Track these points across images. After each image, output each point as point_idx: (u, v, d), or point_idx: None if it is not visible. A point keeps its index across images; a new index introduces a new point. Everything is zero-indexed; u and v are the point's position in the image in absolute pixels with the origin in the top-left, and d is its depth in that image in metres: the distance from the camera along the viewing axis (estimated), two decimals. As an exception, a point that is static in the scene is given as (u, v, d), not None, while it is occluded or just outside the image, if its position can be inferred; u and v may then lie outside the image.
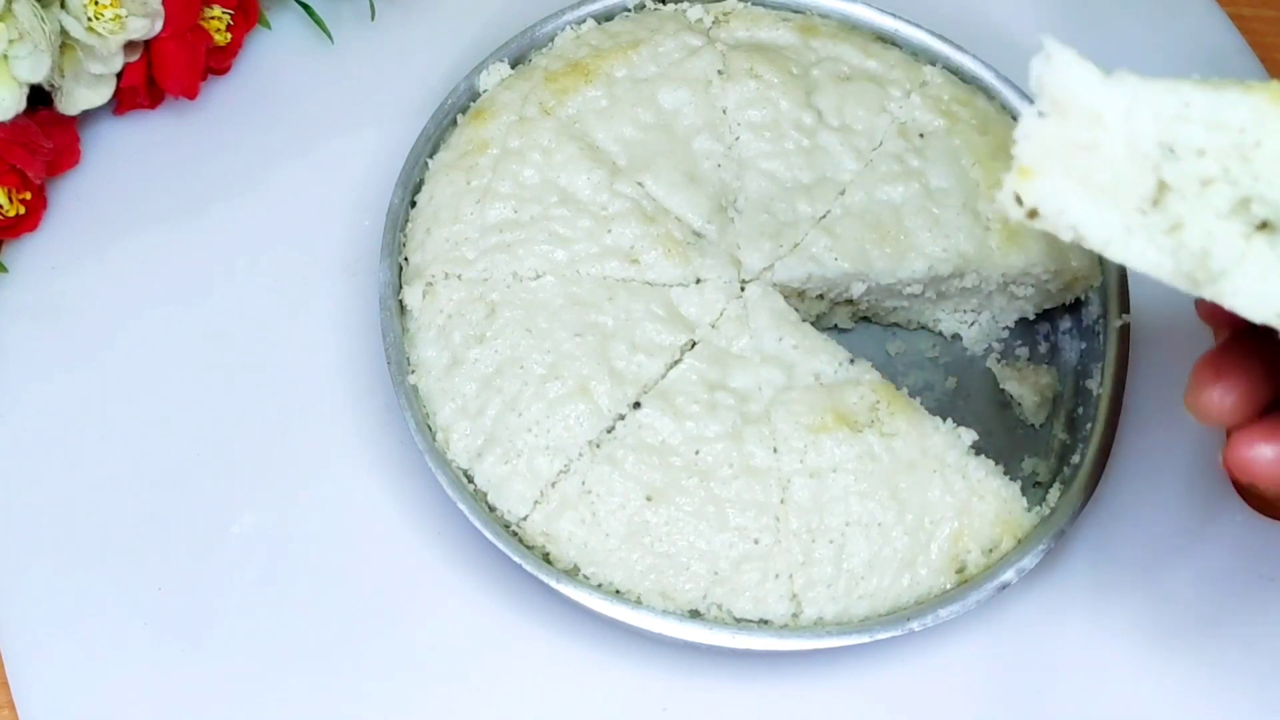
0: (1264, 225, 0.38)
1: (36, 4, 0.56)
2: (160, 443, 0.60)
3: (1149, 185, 0.38)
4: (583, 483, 0.55)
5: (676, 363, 0.57)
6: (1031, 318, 0.64)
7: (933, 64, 0.65)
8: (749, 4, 0.65)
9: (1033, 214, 0.38)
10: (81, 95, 0.62)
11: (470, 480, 0.56)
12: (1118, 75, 0.37)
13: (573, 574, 0.54)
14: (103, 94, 0.62)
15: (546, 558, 0.55)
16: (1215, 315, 0.41)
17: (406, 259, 0.60)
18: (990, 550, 0.56)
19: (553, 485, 0.55)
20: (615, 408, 0.56)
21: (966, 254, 0.59)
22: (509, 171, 0.60)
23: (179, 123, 0.66)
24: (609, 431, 0.56)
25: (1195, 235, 0.38)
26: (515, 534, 0.55)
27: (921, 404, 0.58)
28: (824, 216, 0.60)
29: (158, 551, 0.58)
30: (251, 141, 0.66)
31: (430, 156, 0.61)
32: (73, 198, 0.64)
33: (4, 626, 0.57)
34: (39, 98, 0.60)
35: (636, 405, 0.56)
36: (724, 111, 0.62)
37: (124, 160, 0.65)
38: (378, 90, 0.67)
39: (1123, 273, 0.61)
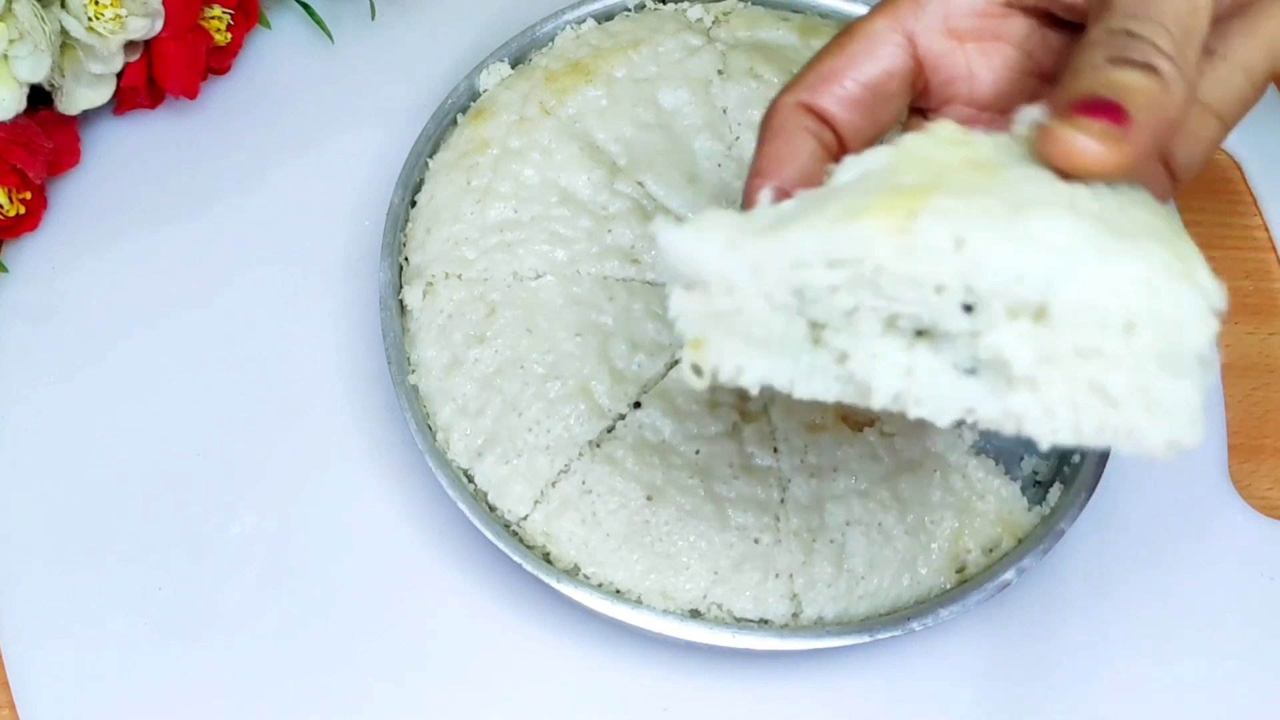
0: (920, 333, 0.37)
1: (37, 4, 0.56)
2: (160, 443, 0.60)
3: (803, 328, 0.38)
4: (583, 482, 0.55)
5: (676, 362, 0.57)
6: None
7: (933, 64, 0.65)
8: (749, 4, 0.65)
9: (715, 376, 0.39)
10: (81, 95, 0.62)
11: (470, 480, 0.56)
12: (735, 242, 0.38)
13: (573, 574, 0.54)
14: (103, 94, 0.62)
15: (547, 557, 0.55)
16: None
17: (407, 259, 0.60)
18: (990, 550, 0.56)
19: (553, 485, 0.55)
20: (615, 407, 0.56)
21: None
22: (509, 171, 0.60)
23: (179, 123, 0.66)
24: (609, 431, 0.56)
25: (861, 361, 0.38)
26: (515, 534, 0.55)
27: (922, 404, 0.58)
28: (824, 216, 0.60)
29: (158, 551, 0.58)
30: (251, 141, 0.66)
31: (430, 156, 0.61)
32: (73, 198, 0.64)
33: (4, 626, 0.57)
34: (39, 98, 0.60)
35: (637, 405, 0.56)
36: (724, 111, 0.62)
37: (124, 160, 0.65)
38: (378, 90, 0.67)
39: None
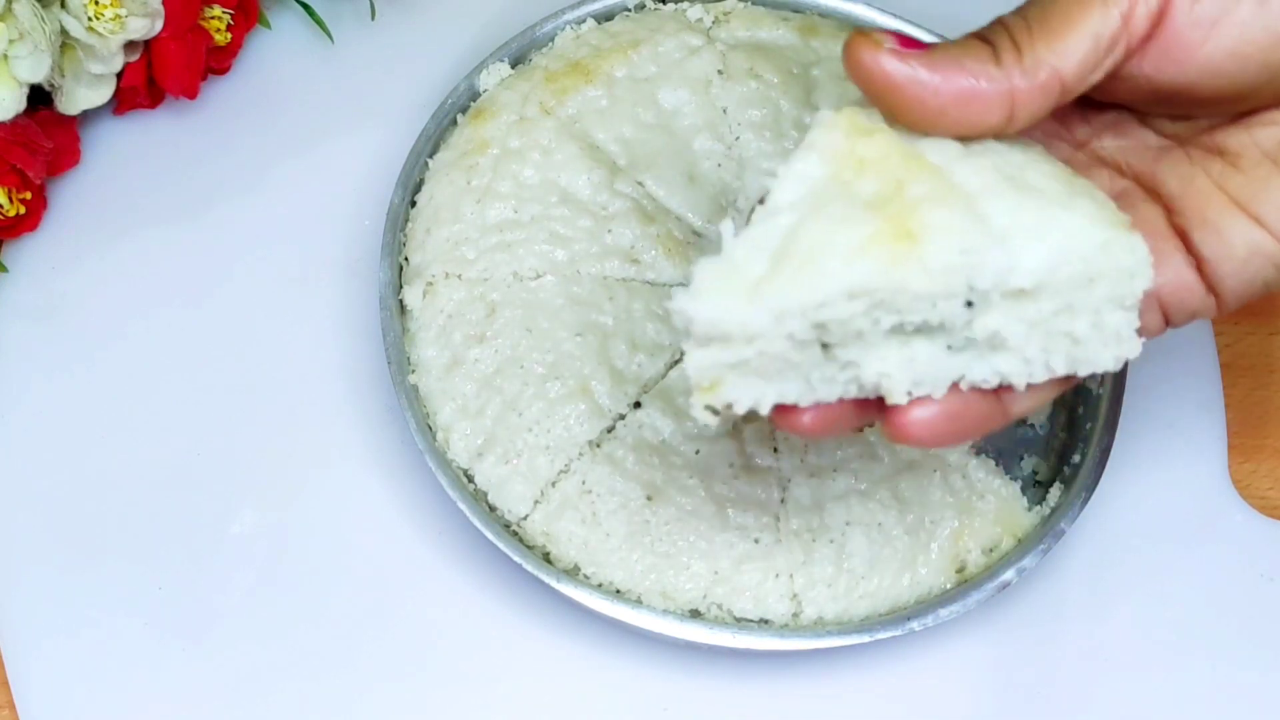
0: (917, 330, 0.41)
1: (36, 4, 0.56)
2: (160, 443, 0.60)
3: (816, 352, 0.41)
4: (583, 482, 0.55)
5: (677, 362, 0.57)
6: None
7: (933, 64, 0.65)
8: (749, 4, 0.65)
9: (727, 408, 0.42)
10: (81, 95, 0.61)
11: (470, 480, 0.56)
12: (759, 291, 0.39)
13: (573, 574, 0.54)
14: (103, 94, 0.62)
15: (547, 557, 0.55)
16: None
17: (406, 259, 0.60)
18: (990, 550, 0.56)
19: (553, 485, 0.55)
20: (615, 407, 0.56)
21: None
22: (509, 171, 0.60)
23: (179, 123, 0.66)
24: (609, 431, 0.56)
25: (870, 366, 0.41)
26: (515, 534, 0.55)
27: (922, 404, 0.58)
28: (824, 216, 0.60)
29: (158, 551, 0.58)
30: (251, 141, 0.66)
31: (430, 156, 0.61)
32: (73, 198, 0.64)
33: (4, 626, 0.57)
34: (39, 98, 0.60)
35: (637, 405, 0.56)
36: (724, 111, 0.62)
37: (124, 160, 0.65)
38: (378, 90, 0.67)
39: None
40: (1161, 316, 0.45)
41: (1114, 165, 0.47)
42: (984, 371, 0.42)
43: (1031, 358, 0.42)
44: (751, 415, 0.56)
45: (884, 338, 0.41)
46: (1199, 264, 0.44)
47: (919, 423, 0.42)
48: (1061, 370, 0.42)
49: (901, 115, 0.41)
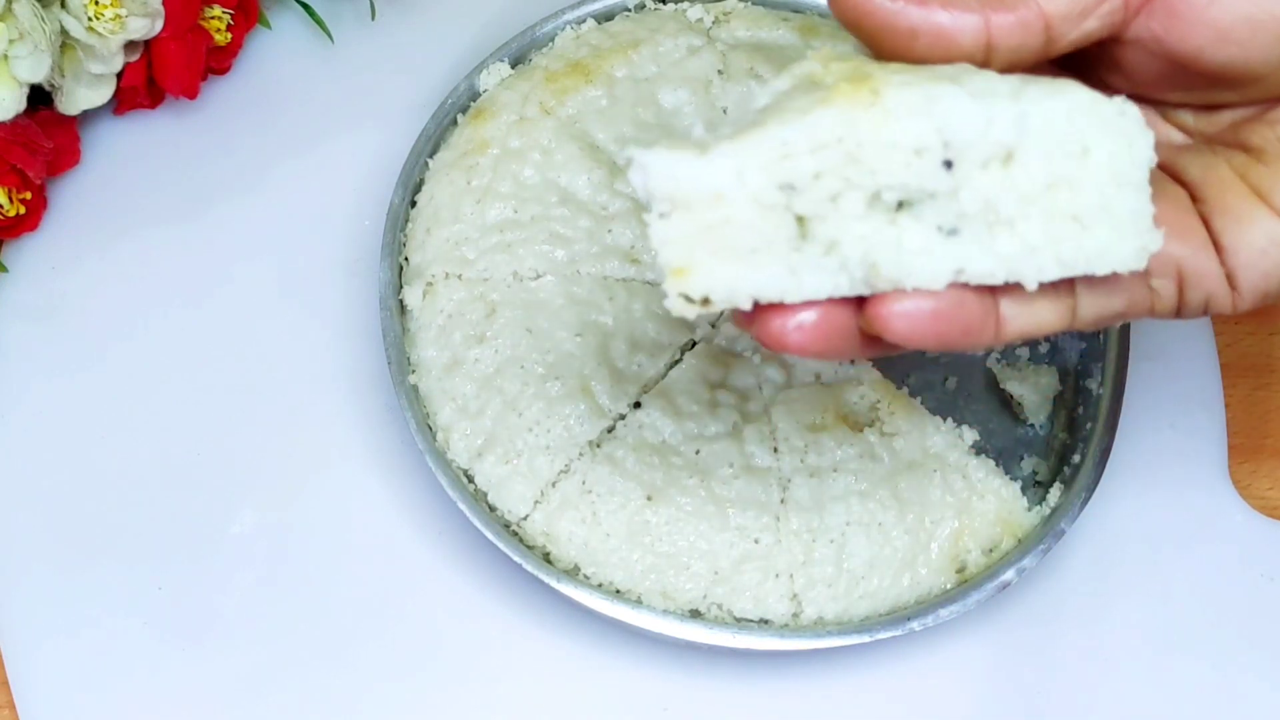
0: (901, 205, 0.39)
1: (36, 4, 0.56)
2: (160, 443, 0.60)
3: (790, 225, 0.39)
4: (583, 482, 0.55)
5: (677, 362, 0.57)
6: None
7: (933, 64, 0.65)
8: (749, 4, 0.65)
9: (705, 302, 0.39)
10: (81, 95, 0.61)
11: (470, 480, 0.56)
12: (712, 147, 0.38)
13: (573, 574, 0.54)
14: (103, 94, 0.62)
15: (547, 557, 0.55)
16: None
17: (407, 259, 0.60)
18: (990, 550, 0.56)
19: (553, 485, 0.55)
20: (615, 407, 0.56)
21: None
22: (509, 171, 0.60)
23: (179, 123, 0.66)
24: (609, 431, 0.56)
25: (849, 244, 0.39)
26: (515, 534, 0.55)
27: (922, 404, 0.58)
28: (824, 216, 0.60)
29: (158, 551, 0.58)
30: (251, 141, 0.66)
31: (430, 156, 0.61)
32: (73, 198, 0.64)
33: (4, 626, 0.57)
34: (39, 98, 0.60)
35: (637, 405, 0.56)
36: (724, 111, 0.62)
37: (124, 160, 0.65)
38: (378, 90, 0.67)
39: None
40: (1176, 289, 0.43)
41: None
42: (986, 263, 0.39)
43: (1035, 245, 0.39)
44: (747, 400, 0.56)
45: (866, 212, 0.38)
46: (1219, 251, 0.43)
47: (902, 315, 0.39)
48: (1073, 262, 0.39)
49: (876, 39, 0.41)
